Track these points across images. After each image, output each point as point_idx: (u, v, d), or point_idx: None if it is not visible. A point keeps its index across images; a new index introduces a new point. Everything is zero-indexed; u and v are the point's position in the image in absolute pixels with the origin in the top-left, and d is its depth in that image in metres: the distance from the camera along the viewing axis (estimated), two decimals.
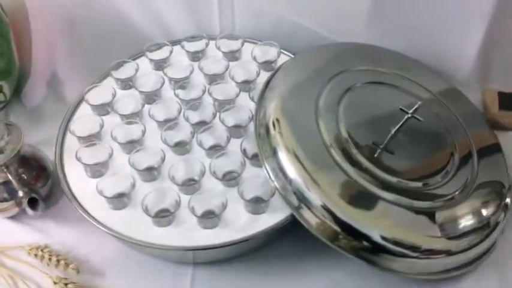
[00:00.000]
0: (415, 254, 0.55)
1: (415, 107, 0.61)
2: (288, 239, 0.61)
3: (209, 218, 0.56)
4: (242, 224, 0.57)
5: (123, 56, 0.74)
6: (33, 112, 0.79)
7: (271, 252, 0.61)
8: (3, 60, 0.73)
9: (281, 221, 0.57)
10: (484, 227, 0.59)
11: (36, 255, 0.60)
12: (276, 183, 0.57)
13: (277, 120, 0.60)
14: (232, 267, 0.60)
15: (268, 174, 0.58)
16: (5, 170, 0.61)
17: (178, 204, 0.56)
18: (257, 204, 0.57)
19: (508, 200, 0.62)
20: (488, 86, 0.77)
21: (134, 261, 0.60)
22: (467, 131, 0.66)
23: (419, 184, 0.59)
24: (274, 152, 0.58)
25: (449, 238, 0.57)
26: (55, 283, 0.57)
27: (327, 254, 0.57)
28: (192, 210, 0.55)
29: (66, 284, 0.57)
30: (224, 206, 0.56)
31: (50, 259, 0.59)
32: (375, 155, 0.60)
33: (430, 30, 0.72)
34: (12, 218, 0.65)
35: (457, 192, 0.59)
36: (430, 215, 0.57)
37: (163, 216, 0.56)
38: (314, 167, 0.57)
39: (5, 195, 0.62)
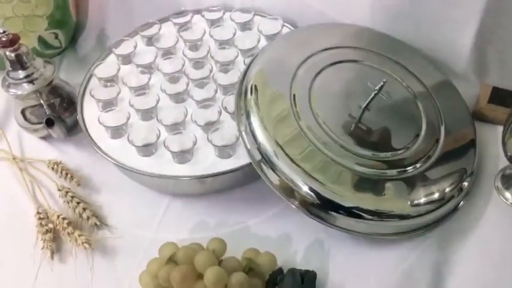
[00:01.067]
0: (371, 217, 0.60)
1: (380, 84, 0.65)
2: (255, 185, 0.69)
3: (182, 154, 0.66)
4: (210, 163, 0.67)
5: (156, 17, 0.85)
6: (83, 60, 0.93)
7: (239, 193, 0.70)
8: (59, 12, 0.88)
9: (244, 165, 0.65)
10: (440, 200, 0.63)
11: (52, 168, 0.74)
12: (246, 140, 0.63)
13: (255, 86, 0.65)
14: (201, 203, 0.69)
15: (240, 130, 0.64)
16: (38, 95, 0.74)
17: (158, 138, 0.68)
18: (223, 149, 0.66)
19: (465, 183, 0.66)
20: (487, 81, 0.79)
21: (125, 185, 0.72)
22: (444, 119, 0.69)
23: (388, 154, 0.64)
24: (248, 115, 0.64)
25: (413, 205, 0.62)
26: (59, 190, 0.71)
27: None
28: (167, 148, 0.66)
29: (66, 192, 0.70)
30: (194, 143, 0.66)
31: (61, 172, 0.73)
32: (350, 129, 0.65)
33: (429, 21, 0.75)
34: (43, 138, 0.79)
35: (420, 167, 0.64)
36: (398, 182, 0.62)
37: (146, 147, 0.68)
38: (282, 138, 0.61)
39: (38, 118, 0.76)
